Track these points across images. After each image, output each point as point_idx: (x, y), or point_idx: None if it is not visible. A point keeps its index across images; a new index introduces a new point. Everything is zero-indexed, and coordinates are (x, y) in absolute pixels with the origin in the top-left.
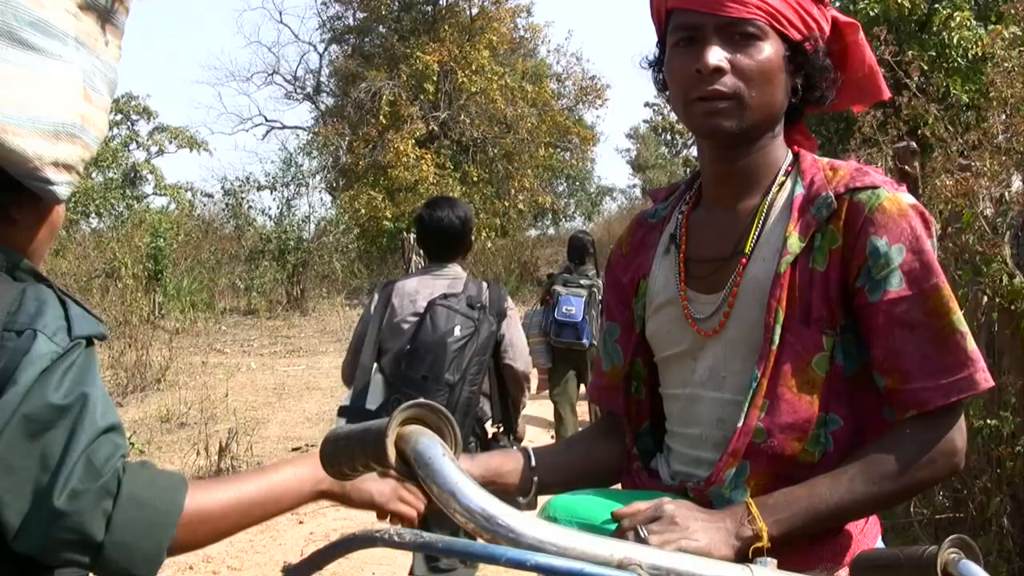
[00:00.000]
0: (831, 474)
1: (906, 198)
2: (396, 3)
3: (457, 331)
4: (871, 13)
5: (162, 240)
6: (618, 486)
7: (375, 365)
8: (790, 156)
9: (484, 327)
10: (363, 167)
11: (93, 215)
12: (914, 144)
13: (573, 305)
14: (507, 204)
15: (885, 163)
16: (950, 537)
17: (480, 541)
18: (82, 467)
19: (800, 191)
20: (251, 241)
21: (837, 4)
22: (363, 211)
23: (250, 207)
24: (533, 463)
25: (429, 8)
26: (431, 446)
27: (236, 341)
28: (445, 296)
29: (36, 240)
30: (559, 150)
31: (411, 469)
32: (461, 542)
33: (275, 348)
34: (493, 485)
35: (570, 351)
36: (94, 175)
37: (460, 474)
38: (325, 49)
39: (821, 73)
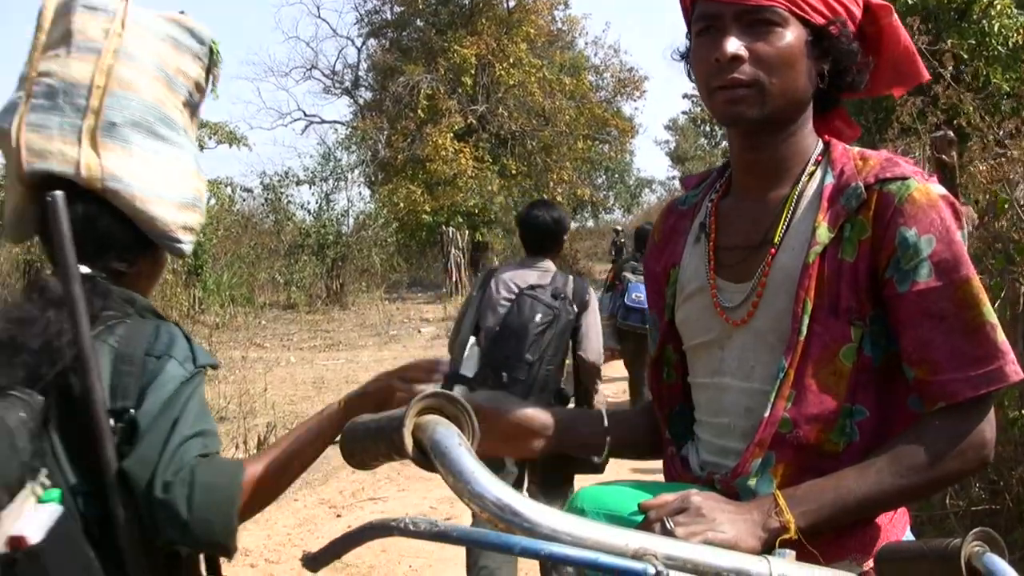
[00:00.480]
0: (859, 466)
1: (936, 189)
2: None
3: (538, 318)
4: (909, 2)
5: (201, 235)
6: (652, 477)
7: (472, 339)
8: (820, 145)
9: (563, 315)
10: (401, 161)
11: None
12: (951, 133)
13: (642, 292)
14: (546, 196)
15: (923, 152)
16: (974, 530)
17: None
18: (170, 463)
19: (830, 181)
20: (290, 236)
21: None
22: (402, 205)
23: (289, 202)
24: (606, 423)
25: (466, 1)
26: (448, 436)
27: (276, 335)
28: (533, 287)
29: (150, 285)
30: (597, 142)
31: (428, 459)
32: (476, 531)
33: (314, 342)
34: (566, 438)
35: (636, 334)
36: None
37: (476, 463)
38: (363, 43)
39: (848, 57)
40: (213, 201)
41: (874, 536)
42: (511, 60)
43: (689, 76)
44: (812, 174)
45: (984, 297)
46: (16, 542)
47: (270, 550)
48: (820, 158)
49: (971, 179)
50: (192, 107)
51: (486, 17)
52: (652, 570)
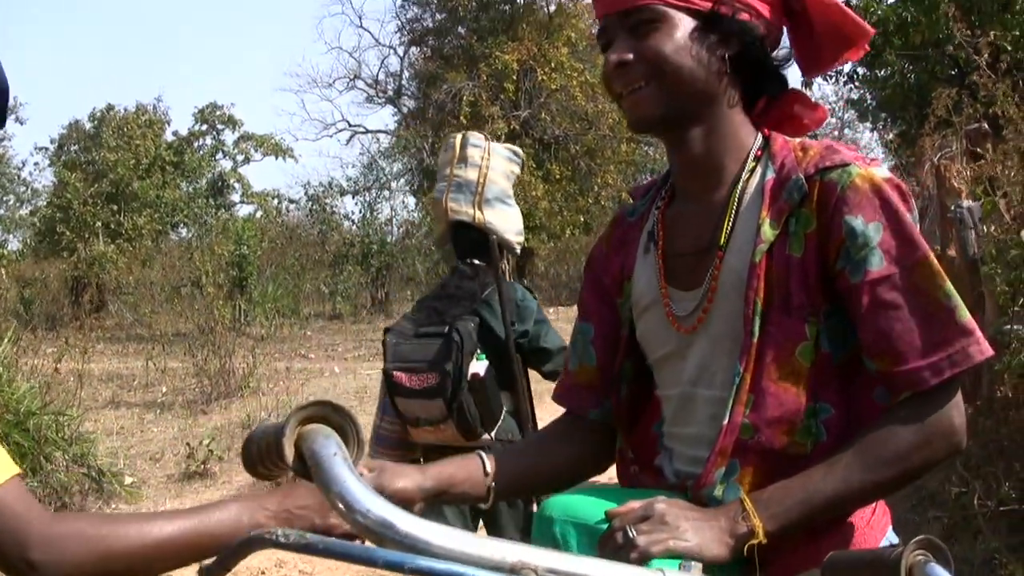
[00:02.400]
0: (825, 463)
1: (880, 172)
2: (474, 3)
3: None
4: None
5: (246, 247)
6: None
7: None
8: (759, 139)
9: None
10: None
11: (181, 225)
12: (986, 126)
13: None
14: (590, 201)
15: (959, 145)
16: (917, 538)
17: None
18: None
19: (771, 175)
20: (335, 246)
21: None
22: None
23: (333, 212)
24: (488, 470)
25: (507, 7)
26: (326, 446)
27: (321, 346)
28: None
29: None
30: (642, 145)
31: (307, 469)
32: (340, 544)
33: (359, 352)
34: (446, 495)
35: None
36: (182, 186)
37: (350, 474)
38: (405, 52)
39: (749, 35)
40: (260, 213)
41: (848, 538)
42: (553, 65)
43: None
44: (752, 170)
45: (942, 277)
46: (475, 376)
47: (304, 560)
48: (760, 153)
49: (1004, 172)
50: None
51: (527, 22)
52: None
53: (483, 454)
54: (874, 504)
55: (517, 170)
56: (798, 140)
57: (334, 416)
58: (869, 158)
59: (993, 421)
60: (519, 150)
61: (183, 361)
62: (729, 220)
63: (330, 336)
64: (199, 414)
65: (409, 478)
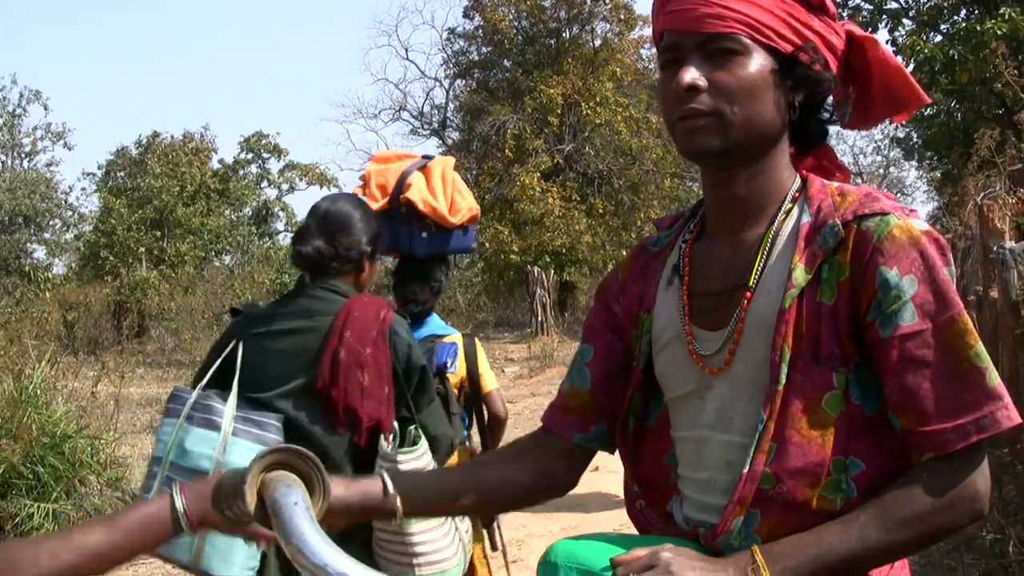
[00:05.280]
0: (843, 519)
1: (918, 224)
2: (520, 37)
3: None
4: (998, 32)
5: (287, 276)
6: (623, 528)
7: None
8: (798, 181)
9: None
10: (489, 201)
11: (224, 252)
12: None
13: None
14: (633, 236)
15: (1003, 185)
16: None
17: None
18: None
19: (807, 219)
20: (376, 275)
21: (963, 25)
22: (488, 245)
23: None
24: (389, 490)
25: (552, 41)
26: (286, 494)
27: None
28: None
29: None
30: (685, 180)
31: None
32: None
33: None
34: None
35: None
36: (226, 213)
37: (310, 526)
38: (451, 84)
39: (821, 86)
40: None
41: None
42: (597, 99)
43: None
44: (789, 212)
45: (974, 338)
46: None
47: None
48: (797, 195)
49: None
50: None
51: (572, 57)
52: None
53: (384, 475)
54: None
55: None
56: (836, 185)
57: (299, 463)
58: (908, 209)
59: None
60: None
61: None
62: (760, 261)
63: None
64: None
65: (339, 488)
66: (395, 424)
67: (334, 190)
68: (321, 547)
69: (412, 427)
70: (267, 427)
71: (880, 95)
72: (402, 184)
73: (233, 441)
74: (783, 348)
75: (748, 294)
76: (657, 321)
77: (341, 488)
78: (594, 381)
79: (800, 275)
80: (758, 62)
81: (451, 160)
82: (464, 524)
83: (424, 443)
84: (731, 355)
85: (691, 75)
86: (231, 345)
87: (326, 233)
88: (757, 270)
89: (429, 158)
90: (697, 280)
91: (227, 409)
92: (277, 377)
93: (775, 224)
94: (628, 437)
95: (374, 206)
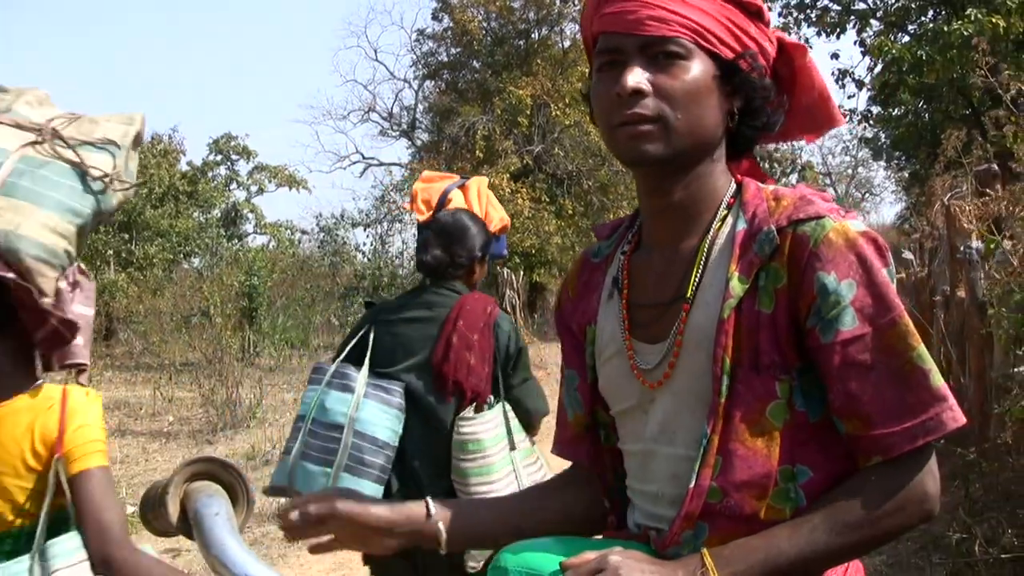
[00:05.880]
0: (792, 523)
1: (855, 226)
2: (489, 38)
3: None
4: (964, 33)
5: (256, 278)
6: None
7: None
8: (733, 187)
9: None
10: None
11: (194, 255)
12: (995, 167)
13: None
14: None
15: (969, 186)
16: None
17: None
18: None
19: (742, 226)
20: (346, 278)
21: (931, 26)
22: None
23: (344, 243)
24: (432, 514)
25: (521, 42)
26: (207, 505)
27: None
28: None
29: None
30: None
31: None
32: None
33: None
34: (411, 535)
35: None
36: (195, 215)
37: (230, 537)
38: (420, 86)
39: (760, 93)
40: (273, 244)
41: None
42: (567, 100)
43: (592, 118)
44: (724, 219)
45: (916, 339)
46: None
47: None
48: (732, 201)
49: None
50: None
51: (541, 58)
52: None
53: (430, 501)
54: (846, 564)
55: None
56: (771, 188)
57: (223, 473)
58: (845, 209)
59: (996, 466)
60: None
61: (190, 391)
62: (697, 272)
63: None
64: (204, 444)
65: (381, 510)
66: (491, 397)
67: (303, 192)
68: (242, 557)
69: (495, 403)
70: (392, 392)
71: (800, 107)
72: (444, 199)
73: (364, 402)
74: (724, 359)
75: (686, 306)
76: (600, 335)
77: (386, 509)
78: (587, 404)
79: (737, 285)
80: (701, 67)
81: (485, 179)
82: None
83: (489, 413)
84: (671, 368)
85: (636, 78)
86: (364, 329)
87: (443, 244)
88: (694, 281)
89: (466, 178)
90: (636, 292)
91: (360, 377)
92: (401, 355)
93: (711, 232)
94: (604, 450)
95: (420, 219)
